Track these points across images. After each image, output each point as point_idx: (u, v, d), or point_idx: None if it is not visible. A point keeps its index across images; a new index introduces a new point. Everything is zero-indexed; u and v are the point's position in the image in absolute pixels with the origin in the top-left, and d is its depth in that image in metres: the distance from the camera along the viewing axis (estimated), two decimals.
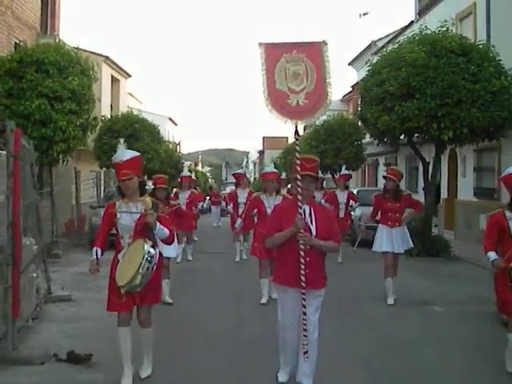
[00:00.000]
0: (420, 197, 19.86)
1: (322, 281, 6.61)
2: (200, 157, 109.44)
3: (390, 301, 11.46)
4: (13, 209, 8.04)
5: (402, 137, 19.55)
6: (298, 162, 6.37)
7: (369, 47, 36.73)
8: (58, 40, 20.17)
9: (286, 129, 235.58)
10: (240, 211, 16.82)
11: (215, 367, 7.62)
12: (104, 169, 29.08)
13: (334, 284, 8.78)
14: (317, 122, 41.00)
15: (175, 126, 69.22)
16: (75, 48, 19.82)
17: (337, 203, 17.23)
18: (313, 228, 6.44)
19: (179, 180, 18.62)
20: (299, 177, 6.40)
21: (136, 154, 6.99)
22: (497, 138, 18.26)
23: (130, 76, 36.94)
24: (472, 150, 21.96)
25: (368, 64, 20.55)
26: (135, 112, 31.59)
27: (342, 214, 17.35)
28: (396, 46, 18.91)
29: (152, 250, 6.58)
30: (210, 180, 68.50)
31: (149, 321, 7.06)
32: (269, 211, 10.76)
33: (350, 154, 31.14)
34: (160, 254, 6.84)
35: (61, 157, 18.37)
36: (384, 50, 19.82)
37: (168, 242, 7.09)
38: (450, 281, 14.23)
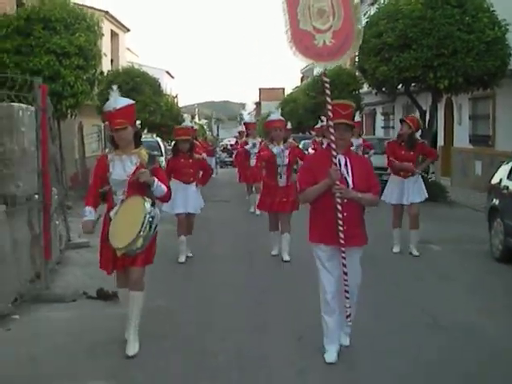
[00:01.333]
0: None
1: (362, 237, 6.09)
2: (197, 109, 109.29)
3: (396, 249, 11.30)
4: (42, 158, 8.65)
5: (399, 86, 20.09)
6: (331, 107, 5.80)
7: None
8: None
9: (282, 80, 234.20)
10: (252, 162, 16.44)
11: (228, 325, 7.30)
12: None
13: None
14: (315, 73, 41.50)
15: (172, 79, 69.26)
16: (78, 4, 20.19)
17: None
18: (349, 179, 5.88)
19: None
20: (332, 125, 5.84)
21: (130, 101, 6.42)
22: (491, 86, 18.76)
23: (128, 30, 37.21)
24: (467, 98, 22.47)
25: (366, 16, 20.94)
26: (133, 66, 31.94)
27: None
28: None
29: (153, 209, 6.03)
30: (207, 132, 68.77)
31: (140, 283, 6.39)
32: (278, 161, 10.54)
33: None
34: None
35: (69, 111, 18.88)
36: (381, 1, 20.13)
37: (165, 199, 6.67)
38: (446, 223, 14.82)
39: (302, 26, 5.87)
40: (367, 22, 19.96)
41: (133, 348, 6.30)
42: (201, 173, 11.18)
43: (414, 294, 8.66)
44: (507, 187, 10.63)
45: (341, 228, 5.76)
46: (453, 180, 24.46)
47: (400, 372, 5.86)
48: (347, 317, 6.02)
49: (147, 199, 6.07)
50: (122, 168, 6.29)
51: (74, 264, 10.67)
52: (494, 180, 11.46)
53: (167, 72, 64.02)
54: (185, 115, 28.60)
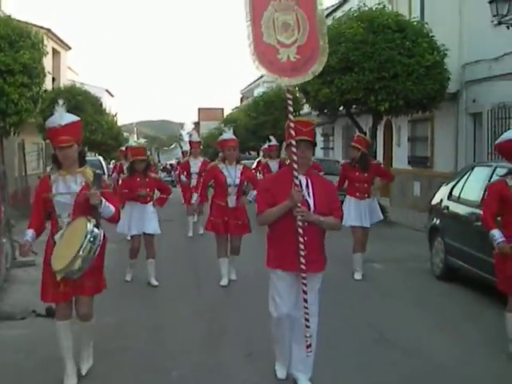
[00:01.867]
0: None
1: (322, 263, 5.82)
2: (135, 128, 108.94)
3: (358, 276, 10.94)
4: None
5: (340, 108, 20.48)
6: (292, 125, 5.56)
7: None
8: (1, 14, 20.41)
9: (221, 100, 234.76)
10: (193, 182, 16.17)
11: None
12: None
13: None
14: (255, 94, 41.94)
15: (112, 98, 68.89)
16: (22, 22, 20.04)
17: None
18: (311, 202, 5.60)
19: (125, 151, 17.50)
20: (294, 142, 5.55)
21: (75, 117, 5.94)
22: (430, 109, 19.37)
23: (70, 48, 37.01)
24: (406, 120, 23.08)
25: None
26: (75, 84, 31.86)
27: None
28: (335, 22, 19.74)
29: (96, 230, 5.63)
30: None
31: (89, 314, 6.06)
32: (229, 181, 10.18)
33: None
34: (104, 234, 5.86)
35: (12, 129, 18.70)
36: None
37: (113, 220, 6.11)
38: (386, 242, 15.05)
39: (266, 39, 5.61)
40: None
41: (87, 366, 6.27)
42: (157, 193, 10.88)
43: (360, 311, 8.89)
44: (447, 207, 10.95)
45: (302, 253, 5.46)
46: (392, 200, 24.95)
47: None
48: (307, 347, 5.65)
49: (91, 219, 5.68)
50: (66, 189, 5.86)
51: (20, 282, 10.60)
52: (435, 200, 11.80)
53: (107, 90, 63.63)
54: (125, 134, 28.55)
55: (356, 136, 11.68)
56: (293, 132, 5.54)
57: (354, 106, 19.91)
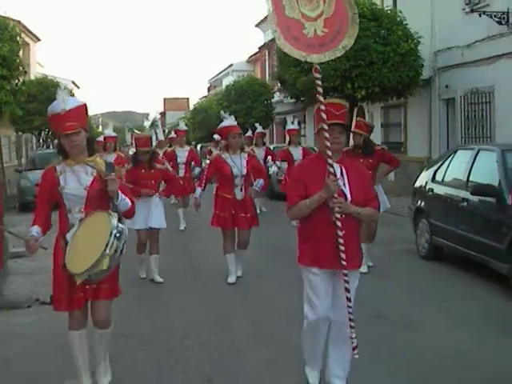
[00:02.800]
0: None
1: (360, 258, 5.42)
2: (100, 119, 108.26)
3: (363, 268, 9.19)
4: None
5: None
6: (324, 108, 5.04)
7: None
8: None
9: (186, 90, 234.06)
10: (181, 172, 15.32)
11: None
12: (20, 133, 29.40)
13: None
14: (226, 83, 42.11)
15: (78, 89, 68.48)
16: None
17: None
18: (347, 192, 5.10)
19: (102, 141, 17.08)
20: (326, 127, 5.04)
21: (80, 101, 5.37)
22: (405, 95, 19.85)
23: (39, 40, 36.90)
24: (379, 107, 23.50)
25: None
26: (39, 76, 31.90)
27: None
28: None
29: (120, 225, 5.03)
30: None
31: (108, 321, 5.49)
32: (235, 172, 9.50)
33: (261, 113, 32.62)
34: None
35: None
36: None
37: (129, 215, 5.53)
38: None
39: (289, 12, 5.03)
40: None
41: (106, 382, 5.67)
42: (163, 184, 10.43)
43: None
44: (432, 189, 11.41)
45: (341, 248, 4.97)
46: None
47: None
48: (354, 349, 5.20)
49: (113, 214, 5.09)
50: (77, 181, 5.24)
51: (16, 273, 10.77)
52: (418, 183, 12.25)
53: (73, 82, 63.23)
54: (98, 125, 28.41)
55: (356, 121, 10.81)
56: (324, 115, 5.00)
57: (331, 94, 20.27)
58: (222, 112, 10.38)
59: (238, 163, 9.57)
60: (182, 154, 15.70)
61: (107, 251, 4.85)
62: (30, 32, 34.58)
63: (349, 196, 5.09)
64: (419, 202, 11.89)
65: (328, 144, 5.03)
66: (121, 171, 5.65)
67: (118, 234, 4.93)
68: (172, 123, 65.95)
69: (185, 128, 17.13)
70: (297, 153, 15.29)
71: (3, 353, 6.72)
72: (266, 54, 41.20)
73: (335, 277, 5.20)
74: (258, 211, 14.93)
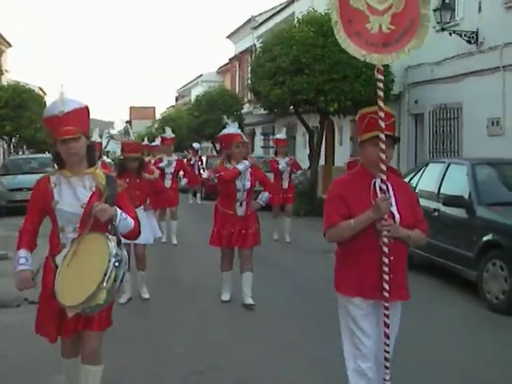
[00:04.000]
0: (305, 163, 21.84)
1: (407, 289, 4.66)
2: None
3: None
4: None
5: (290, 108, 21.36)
6: (382, 114, 4.36)
7: (248, 22, 38.35)
8: None
9: (151, 99, 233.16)
10: (167, 183, 14.08)
11: None
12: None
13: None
14: (195, 93, 42.50)
15: (44, 96, 68.14)
16: None
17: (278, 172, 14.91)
18: (395, 212, 4.41)
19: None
20: (384, 136, 4.34)
21: (82, 103, 4.64)
22: None
23: (10, 46, 36.86)
24: (348, 120, 24.03)
25: (260, 41, 22.18)
26: (19, 82, 31.93)
27: (285, 185, 14.95)
28: (286, 25, 20.63)
29: (119, 251, 4.34)
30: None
31: (98, 354, 4.66)
32: (238, 185, 8.63)
33: None
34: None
35: None
36: (267, 28, 21.54)
37: (132, 236, 4.77)
38: None
39: (353, 2, 4.41)
40: (260, 47, 21.31)
41: None
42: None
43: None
44: None
45: (386, 277, 4.34)
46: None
47: None
48: None
49: (110, 237, 4.39)
50: (73, 195, 4.53)
51: (1, 275, 10.73)
52: None
53: (40, 88, 63.00)
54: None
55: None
56: (382, 124, 4.34)
57: (304, 106, 20.78)
58: (224, 117, 9.54)
59: (241, 175, 8.67)
60: (170, 163, 14.48)
61: (104, 284, 4.16)
62: (2, 37, 34.58)
63: (397, 217, 4.41)
64: None
65: (383, 157, 4.34)
66: (123, 186, 4.89)
67: (116, 263, 4.24)
68: (138, 132, 65.92)
69: (172, 135, 15.61)
70: (283, 163, 14.89)
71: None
72: (237, 65, 41.70)
73: (375, 309, 4.50)
74: None
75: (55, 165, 4.75)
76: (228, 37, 43.53)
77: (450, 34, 16.84)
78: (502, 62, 15.53)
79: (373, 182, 4.43)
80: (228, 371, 6.38)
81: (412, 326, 7.90)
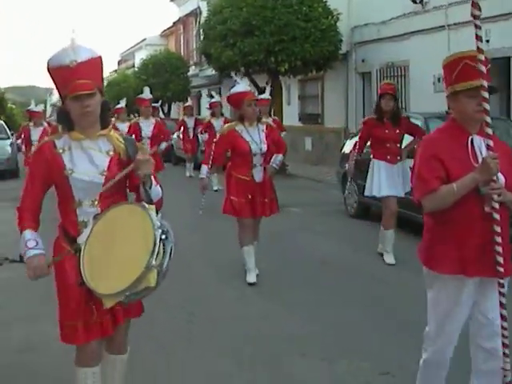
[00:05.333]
0: None
1: (511, 261, 3.87)
2: (4, 95, 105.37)
3: (390, 259, 8.91)
4: None
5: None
6: (483, 57, 3.66)
7: None
8: None
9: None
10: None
11: None
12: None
13: None
14: (139, 57, 42.48)
15: None
16: None
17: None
18: (499, 174, 3.72)
19: (28, 115, 17.16)
20: (486, 84, 3.69)
21: (96, 52, 3.77)
22: (325, 69, 20.98)
23: None
24: (296, 80, 24.58)
25: (208, 4, 22.48)
26: None
27: None
28: None
29: (163, 221, 3.53)
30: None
31: (126, 343, 4.14)
32: (254, 148, 7.67)
33: (179, 87, 33.50)
34: None
35: None
36: None
37: (158, 207, 3.71)
38: (293, 191, 16.11)
39: None
40: (210, 9, 21.64)
41: None
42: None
43: (301, 247, 10.44)
44: (359, 154, 12.50)
45: (498, 249, 3.72)
46: (285, 155, 26.39)
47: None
48: None
49: (147, 206, 3.59)
50: (89, 161, 3.76)
51: None
52: (346, 149, 13.33)
53: None
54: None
55: (384, 84, 9.40)
56: (483, 68, 3.67)
57: (254, 67, 21.20)
58: (233, 75, 8.36)
59: (256, 138, 7.75)
60: (147, 127, 13.35)
61: (153, 261, 3.35)
62: None
63: (502, 179, 3.77)
64: (347, 166, 12.96)
65: (487, 107, 3.70)
66: (143, 148, 4.12)
67: (163, 236, 3.43)
68: None
69: (150, 96, 14.24)
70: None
71: None
72: (181, 28, 41.68)
73: (480, 288, 3.91)
74: (215, 188, 15.70)
75: (59, 127, 4.04)
76: (171, 0, 43.42)
77: None
78: (446, 22, 16.17)
79: (470, 139, 3.86)
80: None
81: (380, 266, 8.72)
